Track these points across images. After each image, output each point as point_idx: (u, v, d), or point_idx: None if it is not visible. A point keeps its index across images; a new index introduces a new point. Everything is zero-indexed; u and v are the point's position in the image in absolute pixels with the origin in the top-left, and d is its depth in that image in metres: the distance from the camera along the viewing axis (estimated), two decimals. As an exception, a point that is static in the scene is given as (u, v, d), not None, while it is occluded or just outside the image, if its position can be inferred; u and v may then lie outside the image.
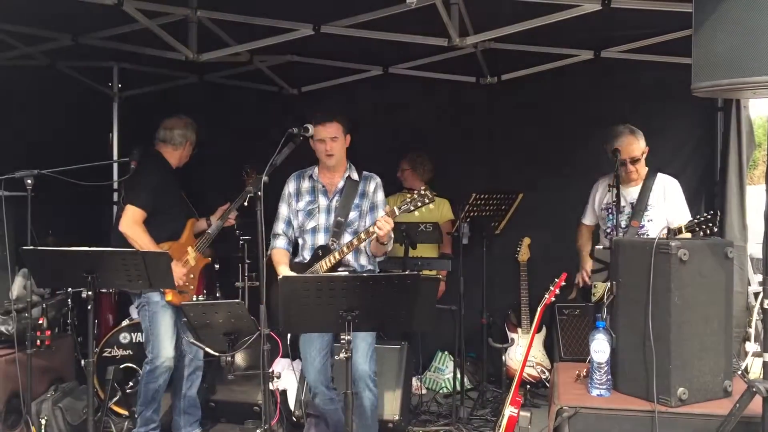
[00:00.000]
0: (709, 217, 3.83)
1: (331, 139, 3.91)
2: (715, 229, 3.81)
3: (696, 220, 3.88)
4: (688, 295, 3.08)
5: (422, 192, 3.67)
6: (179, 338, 4.44)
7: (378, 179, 4.10)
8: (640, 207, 4.45)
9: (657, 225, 4.29)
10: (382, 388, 4.44)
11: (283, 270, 3.92)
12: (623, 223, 4.49)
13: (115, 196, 6.27)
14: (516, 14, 4.26)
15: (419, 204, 3.67)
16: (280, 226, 4.08)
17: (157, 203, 4.31)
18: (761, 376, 2.79)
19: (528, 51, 5.22)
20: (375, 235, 3.72)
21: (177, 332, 4.38)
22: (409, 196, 3.75)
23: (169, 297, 4.28)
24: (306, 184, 4.06)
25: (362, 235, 3.79)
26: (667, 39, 4.86)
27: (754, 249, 5.34)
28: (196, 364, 4.50)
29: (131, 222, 4.23)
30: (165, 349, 4.31)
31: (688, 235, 3.96)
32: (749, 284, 5.12)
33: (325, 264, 3.87)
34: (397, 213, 3.68)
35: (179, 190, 4.52)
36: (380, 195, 4.07)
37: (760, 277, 3.17)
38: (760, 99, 2.81)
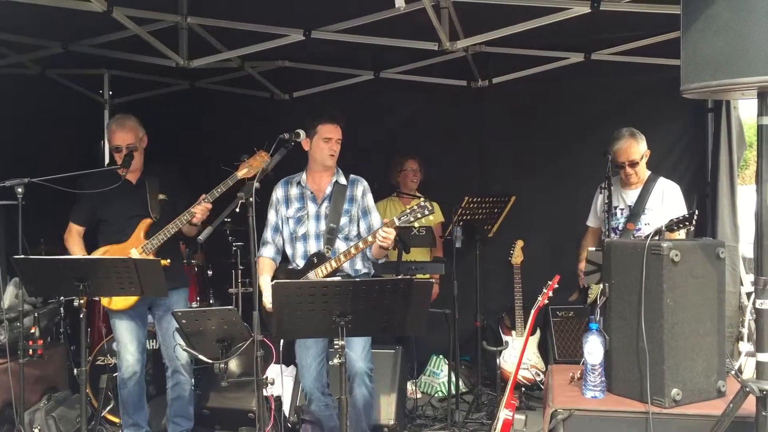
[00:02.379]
0: (687, 216, 3.87)
1: (337, 140, 3.94)
2: (691, 228, 3.84)
3: (675, 219, 3.91)
4: (681, 296, 3.08)
5: (422, 203, 3.68)
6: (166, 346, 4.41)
7: (365, 182, 4.11)
8: (637, 210, 4.46)
9: (653, 229, 4.29)
10: (376, 392, 4.44)
11: (265, 280, 3.91)
12: (620, 226, 4.50)
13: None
14: (506, 18, 4.27)
15: (419, 216, 3.69)
16: (268, 234, 4.08)
17: (95, 214, 4.36)
18: (755, 376, 2.80)
19: (519, 54, 5.24)
20: (373, 243, 3.72)
21: (141, 337, 4.34)
22: (409, 207, 3.75)
23: (104, 302, 4.28)
24: (294, 191, 4.05)
25: (360, 245, 3.79)
26: (657, 41, 4.88)
27: (746, 249, 5.35)
28: (177, 379, 4.41)
29: (65, 236, 4.38)
30: (123, 354, 4.31)
31: (676, 234, 3.99)
32: (741, 284, 5.13)
33: (321, 271, 3.86)
34: (397, 223, 3.68)
35: (132, 194, 4.36)
36: (369, 198, 4.08)
37: (752, 277, 3.19)
38: (750, 100, 2.82)
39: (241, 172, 3.90)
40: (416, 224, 3.72)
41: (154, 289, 3.85)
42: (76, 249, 4.31)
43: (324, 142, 3.92)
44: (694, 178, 5.66)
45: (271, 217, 4.08)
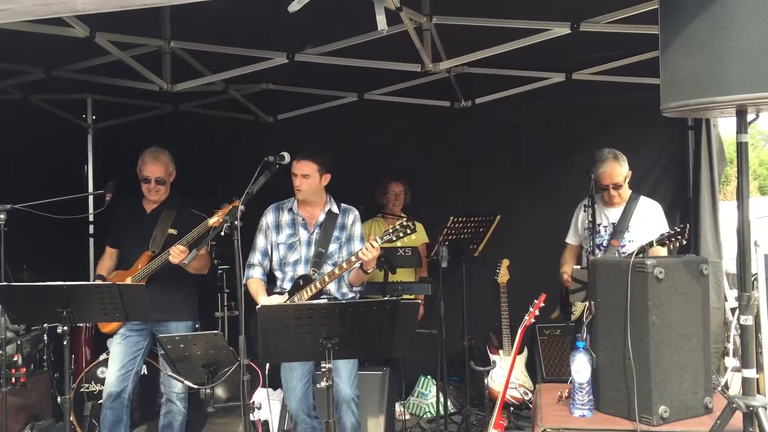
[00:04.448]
0: (678, 230, 3.90)
1: (302, 176, 3.96)
2: (684, 242, 3.88)
3: (666, 234, 3.94)
4: (666, 313, 3.10)
5: (405, 223, 3.75)
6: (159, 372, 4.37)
7: (356, 212, 4.16)
8: (620, 228, 4.49)
9: (637, 246, 4.32)
10: (365, 414, 4.41)
11: (263, 299, 3.91)
12: (604, 243, 4.52)
13: (91, 228, 6.21)
14: (487, 39, 4.31)
15: (401, 235, 3.76)
16: (256, 257, 4.08)
17: (119, 239, 4.44)
18: (741, 392, 2.81)
19: (501, 75, 5.27)
20: (358, 263, 3.75)
21: (125, 361, 4.24)
22: (391, 226, 3.82)
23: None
24: (286, 217, 4.08)
25: (344, 265, 3.82)
26: (636, 60, 4.94)
27: (729, 264, 5.39)
28: (170, 407, 4.34)
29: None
30: (107, 375, 4.28)
31: (660, 249, 4.03)
32: (726, 300, 5.16)
33: (306, 293, 3.87)
34: (379, 243, 3.73)
35: (145, 225, 4.37)
36: (358, 227, 4.12)
37: (736, 293, 3.21)
38: (729, 117, 2.86)
39: (212, 220, 3.92)
40: (399, 243, 3.76)
41: (138, 315, 3.84)
42: (100, 266, 4.46)
43: (292, 176, 3.97)
44: (676, 195, 5.71)
45: (261, 241, 4.09)
